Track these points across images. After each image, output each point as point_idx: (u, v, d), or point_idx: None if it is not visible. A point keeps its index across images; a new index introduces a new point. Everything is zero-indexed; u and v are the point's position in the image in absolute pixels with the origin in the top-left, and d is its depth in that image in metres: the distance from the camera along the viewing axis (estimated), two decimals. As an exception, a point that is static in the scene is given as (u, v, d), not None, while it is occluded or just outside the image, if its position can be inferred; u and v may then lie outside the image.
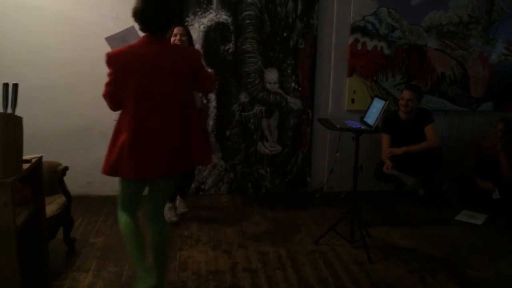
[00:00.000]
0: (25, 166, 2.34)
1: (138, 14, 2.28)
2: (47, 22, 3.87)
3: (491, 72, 4.52)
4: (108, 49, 2.44)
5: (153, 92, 2.27)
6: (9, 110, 2.26)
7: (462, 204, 4.13)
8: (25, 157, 2.38)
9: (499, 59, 4.50)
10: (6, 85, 2.24)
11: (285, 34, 4.20)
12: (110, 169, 2.30)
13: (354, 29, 4.25)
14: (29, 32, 3.86)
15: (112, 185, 4.14)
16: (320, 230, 3.45)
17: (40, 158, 2.57)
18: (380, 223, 3.72)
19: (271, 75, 4.26)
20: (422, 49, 4.39)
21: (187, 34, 3.49)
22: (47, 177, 2.98)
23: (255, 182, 4.44)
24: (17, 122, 2.24)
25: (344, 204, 4.00)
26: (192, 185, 4.14)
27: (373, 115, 3.21)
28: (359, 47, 4.29)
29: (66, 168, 3.17)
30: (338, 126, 3.28)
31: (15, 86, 2.28)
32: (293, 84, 4.30)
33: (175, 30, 3.43)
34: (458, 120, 4.61)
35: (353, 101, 4.38)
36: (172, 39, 3.39)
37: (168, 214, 3.65)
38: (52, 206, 2.91)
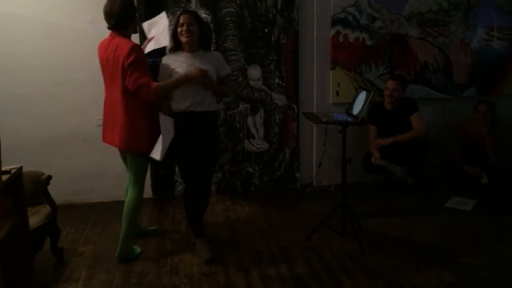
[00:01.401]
0: (5, 177, 2.29)
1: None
2: (23, 30, 3.77)
3: (473, 57, 4.53)
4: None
5: (105, 77, 2.95)
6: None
7: (451, 191, 4.15)
8: (4, 168, 2.32)
9: (480, 44, 4.52)
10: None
11: (266, 30, 4.17)
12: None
13: (335, 22, 4.23)
14: (5, 40, 3.75)
15: (98, 192, 4.11)
16: (311, 225, 3.42)
17: (20, 168, 2.50)
18: (371, 215, 3.71)
19: (254, 72, 4.23)
20: (404, 38, 4.38)
21: (197, 22, 2.95)
22: (31, 187, 2.91)
23: (244, 180, 4.40)
24: (-6, 132, 2.18)
25: (334, 197, 3.99)
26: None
27: (358, 106, 3.20)
28: (341, 39, 4.27)
29: (49, 177, 3.09)
30: (324, 120, 3.26)
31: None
32: (276, 80, 4.27)
33: (181, 19, 2.91)
34: (443, 108, 4.62)
35: (337, 94, 4.36)
36: (179, 29, 2.94)
37: (204, 252, 3.10)
38: (36, 216, 2.84)
